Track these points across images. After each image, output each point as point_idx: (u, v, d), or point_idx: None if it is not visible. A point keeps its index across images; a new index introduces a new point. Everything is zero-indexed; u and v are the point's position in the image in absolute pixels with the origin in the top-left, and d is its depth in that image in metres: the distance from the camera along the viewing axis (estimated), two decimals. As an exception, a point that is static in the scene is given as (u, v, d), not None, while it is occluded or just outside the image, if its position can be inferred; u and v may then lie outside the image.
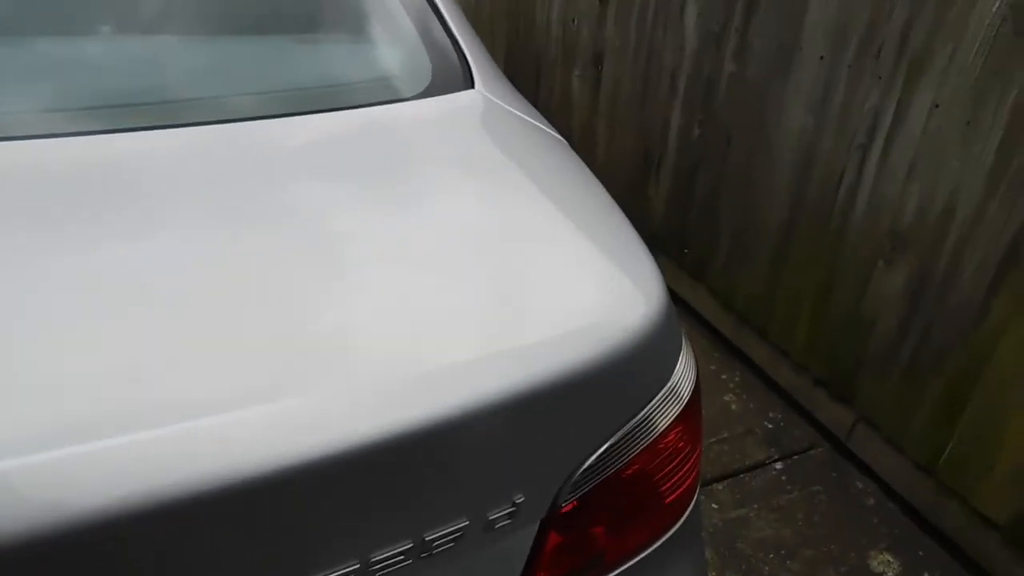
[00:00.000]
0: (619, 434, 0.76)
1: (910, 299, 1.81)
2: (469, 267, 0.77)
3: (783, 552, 1.84)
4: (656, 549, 0.87)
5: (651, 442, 0.79)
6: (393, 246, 0.77)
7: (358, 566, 0.63)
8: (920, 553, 1.85)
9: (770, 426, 2.21)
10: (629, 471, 0.79)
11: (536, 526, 0.75)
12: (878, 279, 1.88)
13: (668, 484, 0.85)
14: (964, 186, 1.63)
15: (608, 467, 0.76)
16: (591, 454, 0.75)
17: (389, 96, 1.03)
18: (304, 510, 0.59)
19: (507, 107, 1.09)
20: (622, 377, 0.74)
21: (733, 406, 2.26)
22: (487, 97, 1.08)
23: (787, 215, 2.11)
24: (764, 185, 2.16)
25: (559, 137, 1.11)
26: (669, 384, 0.81)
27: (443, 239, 0.80)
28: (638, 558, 0.85)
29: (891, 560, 1.83)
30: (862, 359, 1.97)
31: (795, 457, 2.10)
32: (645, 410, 0.78)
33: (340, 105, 1.00)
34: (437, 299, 0.72)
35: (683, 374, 0.83)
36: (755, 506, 1.95)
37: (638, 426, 0.78)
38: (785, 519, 1.92)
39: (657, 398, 0.79)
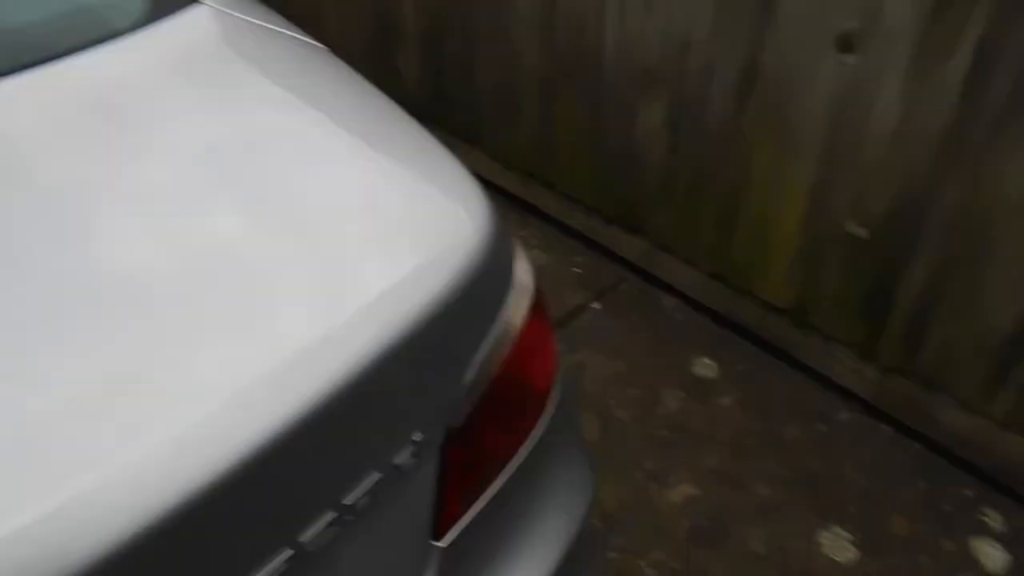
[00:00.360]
0: (485, 346, 0.78)
1: (672, 130, 1.90)
2: (286, 231, 0.71)
3: (622, 381, 2.00)
4: (541, 431, 0.91)
5: (514, 341, 0.81)
6: (192, 228, 0.69)
7: (292, 552, 0.63)
8: (732, 351, 2.08)
9: (579, 271, 2.31)
10: (502, 374, 0.81)
11: (437, 453, 0.77)
12: (643, 115, 1.95)
13: (538, 372, 0.89)
14: (696, 14, 1.68)
15: (484, 378, 0.78)
16: (465, 373, 0.76)
17: (99, 34, 0.84)
18: (224, 519, 0.57)
19: (248, 18, 0.94)
20: (471, 299, 0.74)
21: (541, 260, 2.34)
22: (220, 11, 0.92)
23: (544, 68, 2.10)
24: (516, 40, 2.11)
25: (317, 44, 0.98)
26: (513, 283, 0.82)
27: (245, 204, 0.72)
28: (529, 446, 0.89)
29: (709, 362, 2.04)
30: (645, 191, 2.08)
31: (608, 294, 2.24)
32: (500, 316, 0.79)
33: (36, 59, 0.79)
34: (268, 271, 0.67)
35: (521, 268, 0.85)
36: (586, 348, 2.09)
37: (499, 332, 0.79)
38: (615, 351, 2.07)
39: (507, 301, 0.80)
